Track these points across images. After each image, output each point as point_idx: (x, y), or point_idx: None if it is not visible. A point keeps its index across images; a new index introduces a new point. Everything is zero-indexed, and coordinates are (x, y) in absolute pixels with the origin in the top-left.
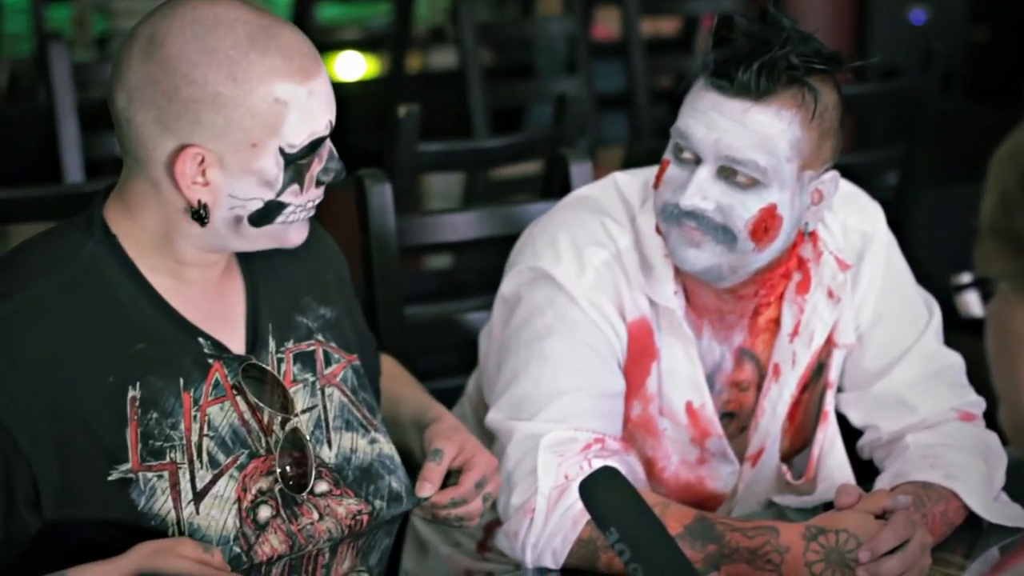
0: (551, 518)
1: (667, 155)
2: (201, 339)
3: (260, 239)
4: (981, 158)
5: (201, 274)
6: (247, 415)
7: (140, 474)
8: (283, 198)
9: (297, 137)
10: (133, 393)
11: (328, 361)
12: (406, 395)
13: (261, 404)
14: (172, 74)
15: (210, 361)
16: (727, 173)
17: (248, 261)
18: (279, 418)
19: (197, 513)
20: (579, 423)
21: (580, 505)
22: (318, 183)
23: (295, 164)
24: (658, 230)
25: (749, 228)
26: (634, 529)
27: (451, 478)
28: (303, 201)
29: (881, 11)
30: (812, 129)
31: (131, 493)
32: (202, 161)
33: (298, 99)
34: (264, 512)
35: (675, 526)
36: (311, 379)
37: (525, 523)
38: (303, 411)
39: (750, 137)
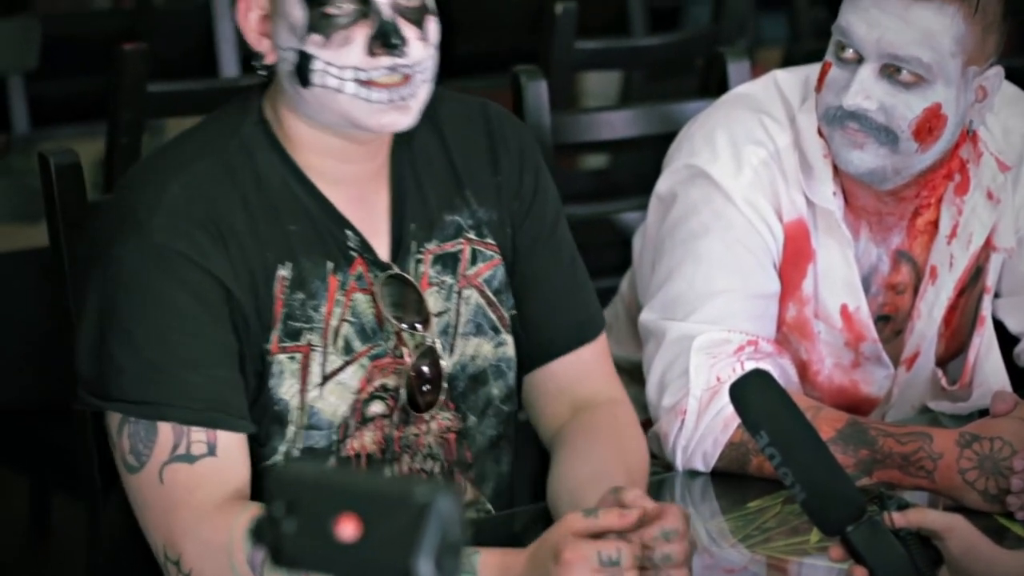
0: (702, 420)
1: (828, 56)
2: (349, 231)
3: (324, 112)
4: None
5: (337, 168)
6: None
7: (275, 356)
8: (307, 47)
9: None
10: (282, 272)
11: (475, 260)
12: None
13: (396, 317)
14: None
15: (353, 255)
16: (890, 71)
17: (401, 159)
18: (410, 333)
19: (320, 397)
20: (733, 324)
21: (731, 408)
22: (370, 52)
23: (318, 9)
24: (820, 133)
25: (913, 128)
26: (785, 433)
27: None
28: (337, 61)
29: None
30: (975, 23)
31: (265, 372)
32: (262, 11)
33: None
34: (376, 407)
35: (827, 430)
36: (449, 281)
37: (676, 424)
38: (436, 314)
39: (913, 33)
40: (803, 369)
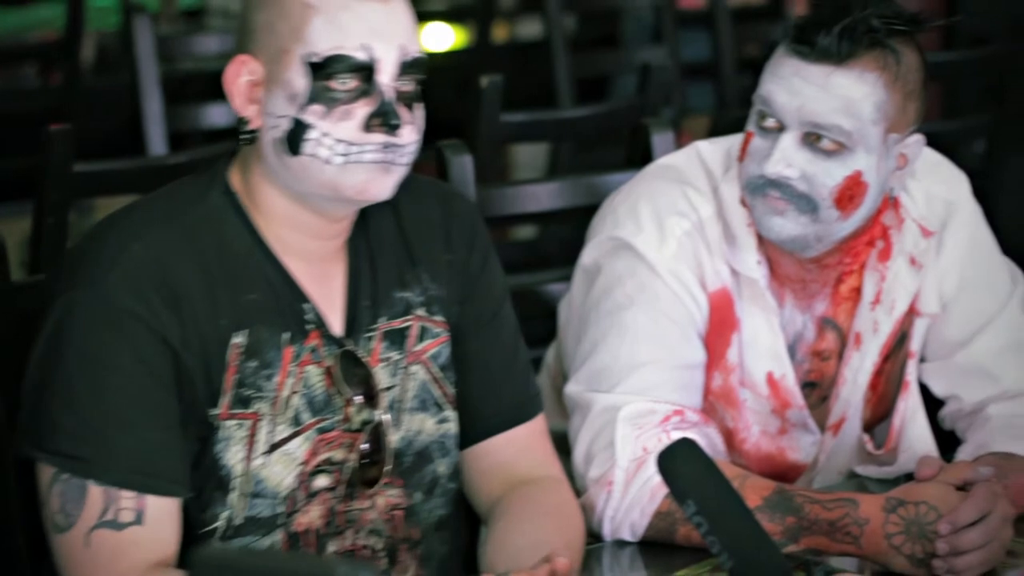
0: (629, 491)
1: (750, 126)
2: (306, 305)
3: (309, 181)
4: None
5: (304, 243)
6: (333, 390)
7: (223, 423)
8: (306, 116)
9: (319, 44)
10: (237, 339)
11: (423, 336)
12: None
13: (348, 391)
14: None
15: (310, 327)
16: (812, 139)
17: (357, 237)
18: (359, 408)
19: (264, 466)
20: (658, 395)
21: (658, 478)
22: (367, 128)
23: (322, 82)
24: (743, 203)
25: (834, 196)
26: (712, 502)
27: None
28: (335, 133)
29: None
30: (896, 91)
31: (211, 438)
32: (252, 76)
33: (328, 6)
34: (321, 480)
35: (754, 498)
36: (396, 357)
37: (603, 496)
38: (384, 389)
39: (834, 102)
40: (729, 437)
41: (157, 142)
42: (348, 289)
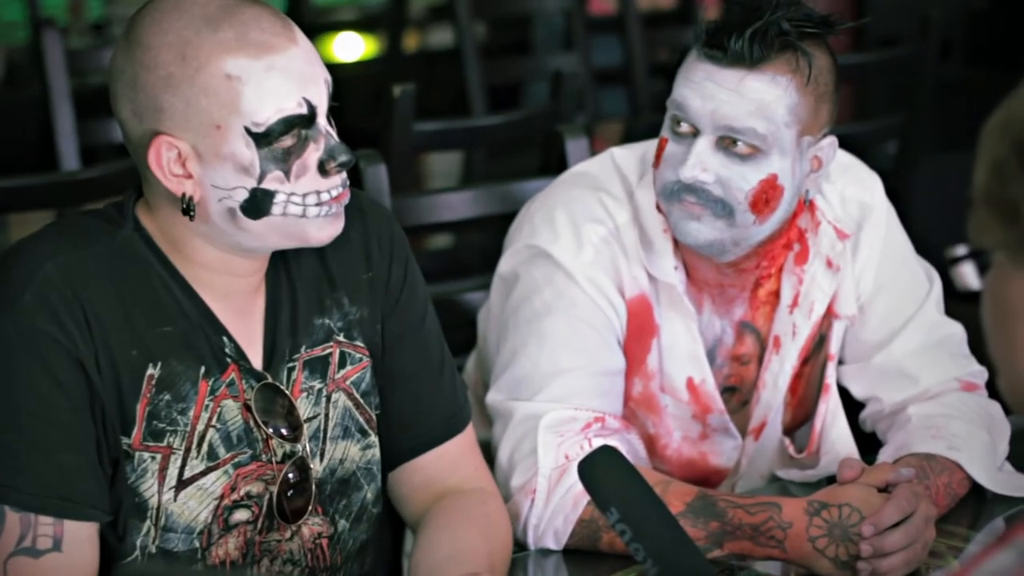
0: (552, 499)
1: (664, 132)
2: (225, 338)
3: (273, 236)
4: (980, 126)
5: (227, 282)
6: (253, 423)
7: (137, 452)
8: (267, 185)
9: (261, 114)
10: (151, 371)
11: (344, 362)
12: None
13: (268, 424)
14: (133, 62)
15: (228, 361)
16: (726, 143)
17: (276, 265)
18: (282, 444)
19: (174, 500)
20: (579, 402)
21: (580, 485)
22: (323, 172)
23: (271, 147)
24: (659, 209)
25: (749, 200)
26: (634, 509)
27: None
28: (299, 189)
29: None
30: (808, 94)
31: (126, 466)
32: (180, 153)
33: (253, 73)
34: (240, 515)
35: (677, 504)
36: (318, 386)
37: (526, 504)
38: (306, 420)
39: (747, 105)
40: (651, 443)
41: (69, 157)
42: (267, 321)
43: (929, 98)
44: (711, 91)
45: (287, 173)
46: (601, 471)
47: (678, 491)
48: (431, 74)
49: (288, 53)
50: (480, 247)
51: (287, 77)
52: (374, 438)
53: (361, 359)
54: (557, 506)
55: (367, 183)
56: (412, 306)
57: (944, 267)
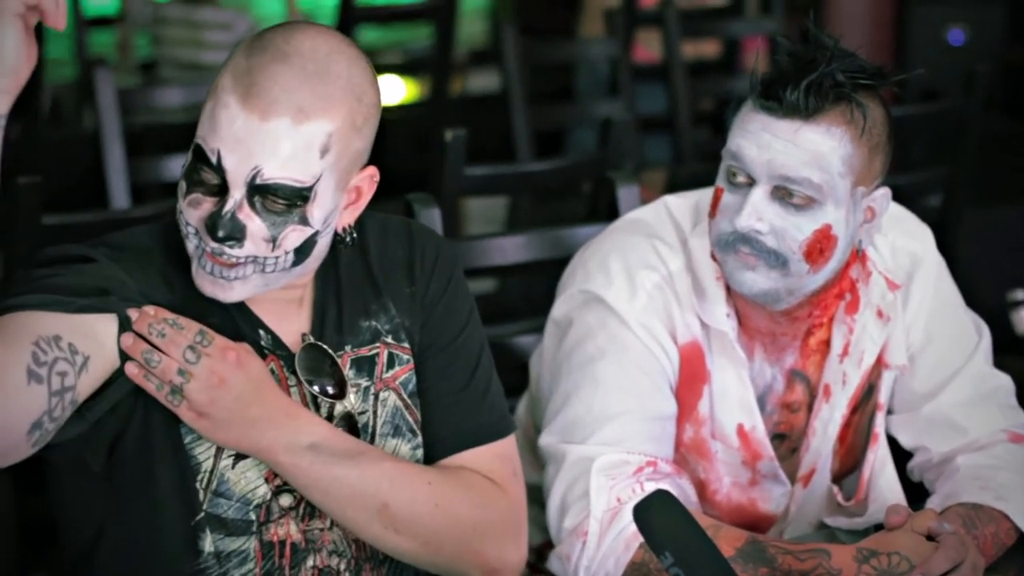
0: (604, 541)
1: (720, 182)
2: (261, 331)
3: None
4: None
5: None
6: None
7: None
8: (178, 187)
9: (200, 128)
10: None
11: (392, 363)
12: None
13: (313, 383)
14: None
15: (266, 353)
16: (782, 193)
17: (327, 273)
18: (327, 403)
19: (232, 468)
20: (631, 446)
21: (633, 528)
22: (206, 227)
23: (193, 163)
24: (714, 258)
25: (804, 250)
26: (688, 553)
27: None
28: (186, 214)
29: (920, 32)
30: (862, 144)
31: (181, 427)
32: None
33: (219, 98)
34: (285, 500)
35: (727, 549)
36: (365, 383)
37: (578, 546)
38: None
39: (803, 155)
40: (701, 488)
41: (119, 194)
42: (314, 317)
43: (973, 150)
44: (767, 141)
45: (184, 190)
46: (656, 515)
47: (728, 536)
48: (474, 118)
49: (247, 116)
50: (526, 291)
51: (226, 124)
52: (421, 439)
53: (408, 360)
54: (609, 549)
55: None
56: (446, 322)
57: (992, 318)
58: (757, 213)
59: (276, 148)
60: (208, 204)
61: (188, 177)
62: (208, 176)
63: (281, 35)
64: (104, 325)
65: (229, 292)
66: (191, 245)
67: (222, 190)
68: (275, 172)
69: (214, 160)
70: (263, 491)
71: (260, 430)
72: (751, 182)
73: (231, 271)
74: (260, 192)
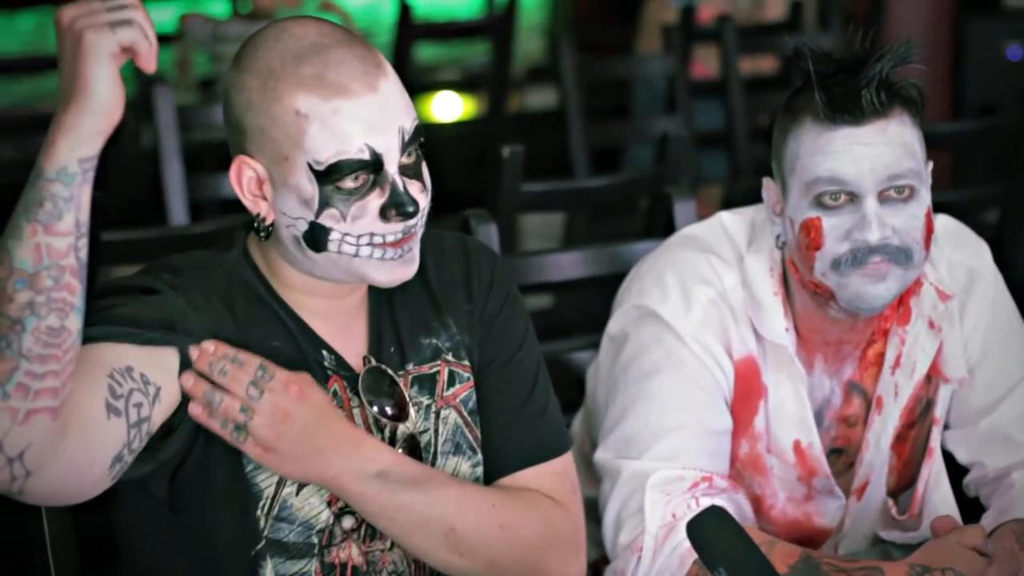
0: (659, 557)
1: (810, 214)
2: (324, 351)
3: (334, 270)
4: None
5: (319, 304)
6: (360, 425)
7: None
8: (323, 221)
9: (322, 153)
10: None
11: (453, 381)
12: None
13: (373, 404)
14: (229, 80)
15: (330, 373)
16: (887, 195)
17: (380, 289)
18: (389, 425)
19: (296, 495)
20: (686, 461)
21: (687, 544)
22: (384, 217)
23: (330, 185)
24: (817, 288)
25: (924, 236)
26: (742, 570)
27: None
28: (354, 231)
29: (977, 47)
30: (918, 126)
31: (241, 456)
32: (257, 175)
33: (319, 114)
34: (347, 522)
35: (781, 566)
36: (426, 402)
37: (633, 562)
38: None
39: (898, 150)
40: (757, 504)
41: (178, 211)
42: (370, 337)
43: None
44: (860, 153)
45: (344, 214)
46: (710, 531)
47: (782, 552)
48: (531, 135)
49: (361, 100)
50: (582, 307)
51: (353, 122)
52: (480, 457)
53: (468, 378)
54: (663, 565)
55: None
56: (504, 339)
57: None
58: (881, 221)
59: (398, 103)
60: (373, 202)
61: (333, 203)
62: (359, 179)
63: (282, 37)
64: (171, 357)
65: (412, 265)
66: (365, 253)
67: (375, 183)
68: (409, 122)
69: (367, 157)
70: (326, 516)
71: (327, 459)
72: (851, 198)
73: (411, 242)
74: (408, 147)
